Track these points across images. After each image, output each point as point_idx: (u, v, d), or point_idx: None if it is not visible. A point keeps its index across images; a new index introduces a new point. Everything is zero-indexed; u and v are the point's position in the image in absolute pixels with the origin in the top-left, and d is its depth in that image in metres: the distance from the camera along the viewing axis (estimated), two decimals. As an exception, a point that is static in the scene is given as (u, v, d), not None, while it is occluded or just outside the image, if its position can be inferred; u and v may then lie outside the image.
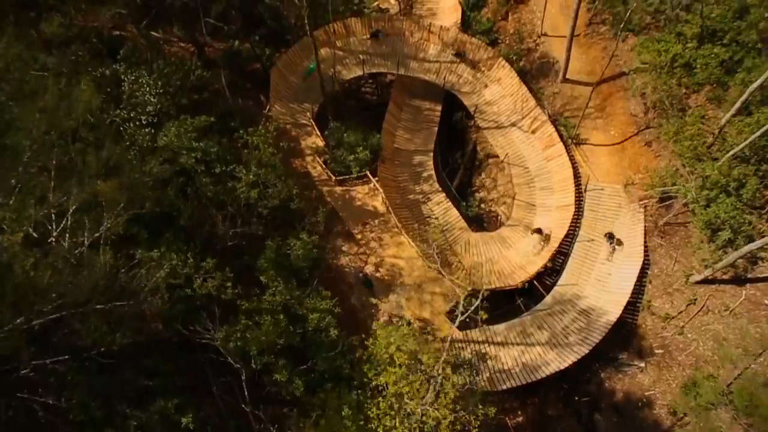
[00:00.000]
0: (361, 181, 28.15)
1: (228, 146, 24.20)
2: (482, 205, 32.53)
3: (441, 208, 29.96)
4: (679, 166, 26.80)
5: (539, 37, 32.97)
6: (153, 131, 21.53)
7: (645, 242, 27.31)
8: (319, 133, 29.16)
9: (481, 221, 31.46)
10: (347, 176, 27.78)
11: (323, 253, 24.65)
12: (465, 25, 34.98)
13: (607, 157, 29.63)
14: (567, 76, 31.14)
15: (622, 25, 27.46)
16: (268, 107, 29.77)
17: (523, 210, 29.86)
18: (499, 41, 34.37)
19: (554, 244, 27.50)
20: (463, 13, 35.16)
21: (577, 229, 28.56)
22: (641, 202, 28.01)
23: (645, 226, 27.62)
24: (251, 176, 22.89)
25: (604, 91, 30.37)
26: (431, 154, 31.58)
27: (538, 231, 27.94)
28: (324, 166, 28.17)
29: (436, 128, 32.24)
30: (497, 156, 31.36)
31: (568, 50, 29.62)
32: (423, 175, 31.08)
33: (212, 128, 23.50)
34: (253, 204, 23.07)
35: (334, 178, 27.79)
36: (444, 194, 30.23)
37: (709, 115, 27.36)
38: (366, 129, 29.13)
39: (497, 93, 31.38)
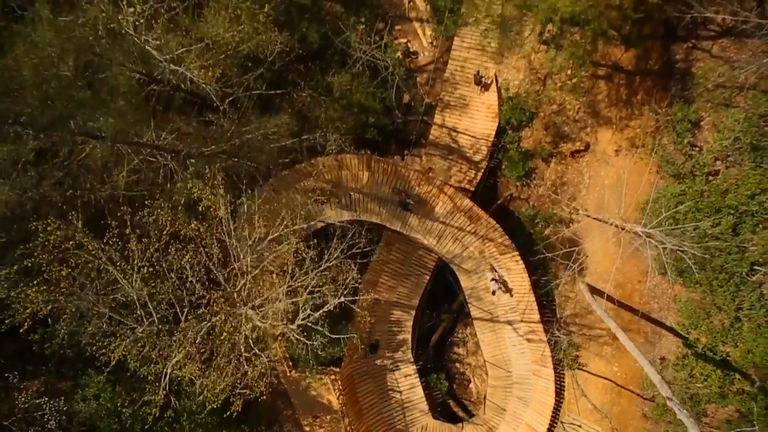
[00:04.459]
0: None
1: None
2: (457, 364, 30.00)
3: (407, 382, 27.66)
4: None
5: (577, 210, 26.27)
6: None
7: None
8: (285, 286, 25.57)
9: (446, 408, 29.30)
10: (306, 370, 25.27)
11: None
12: (498, 145, 27.79)
13: (599, 393, 26.05)
14: (590, 281, 25.66)
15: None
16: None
17: (491, 411, 27.53)
18: (532, 184, 27.60)
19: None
20: (500, 125, 27.62)
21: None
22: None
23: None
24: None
25: (626, 320, 25.30)
26: (413, 312, 27.99)
27: None
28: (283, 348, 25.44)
29: (428, 277, 28.04)
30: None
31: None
32: (398, 337, 28.03)
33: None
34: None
35: (290, 372, 25.33)
36: (414, 367, 27.67)
37: None
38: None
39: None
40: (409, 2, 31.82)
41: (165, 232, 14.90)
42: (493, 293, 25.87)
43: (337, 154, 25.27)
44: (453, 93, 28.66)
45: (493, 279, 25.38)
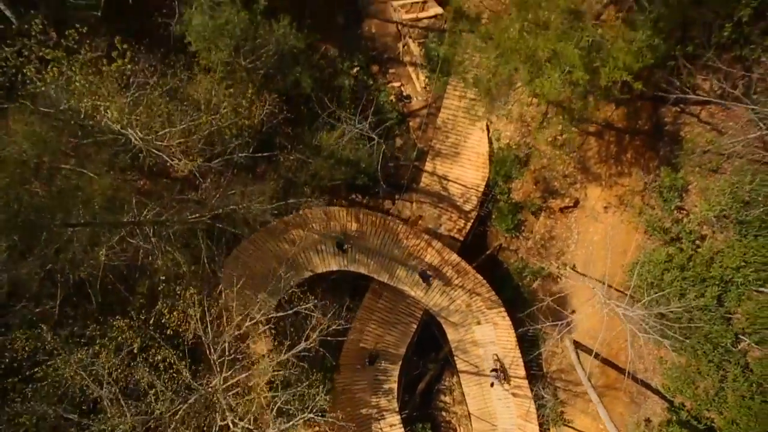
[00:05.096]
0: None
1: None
2: (443, 413, 29.81)
3: (392, 432, 27.61)
4: None
5: (565, 266, 26.21)
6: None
7: None
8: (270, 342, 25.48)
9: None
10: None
11: None
12: (489, 195, 27.78)
13: (583, 451, 25.94)
14: (576, 338, 25.54)
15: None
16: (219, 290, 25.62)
17: (475, 464, 27.37)
18: (521, 236, 27.56)
19: None
20: (490, 175, 27.61)
21: None
22: None
23: None
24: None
25: (612, 378, 25.17)
26: (400, 362, 27.87)
27: None
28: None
29: (415, 326, 27.95)
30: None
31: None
32: (384, 386, 27.86)
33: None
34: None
35: None
36: (399, 417, 27.45)
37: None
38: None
39: (488, 336, 26.16)
40: (403, 46, 31.97)
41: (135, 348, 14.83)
42: (492, 385, 25.64)
43: (326, 207, 25.29)
44: (444, 141, 28.71)
45: (493, 370, 25.18)
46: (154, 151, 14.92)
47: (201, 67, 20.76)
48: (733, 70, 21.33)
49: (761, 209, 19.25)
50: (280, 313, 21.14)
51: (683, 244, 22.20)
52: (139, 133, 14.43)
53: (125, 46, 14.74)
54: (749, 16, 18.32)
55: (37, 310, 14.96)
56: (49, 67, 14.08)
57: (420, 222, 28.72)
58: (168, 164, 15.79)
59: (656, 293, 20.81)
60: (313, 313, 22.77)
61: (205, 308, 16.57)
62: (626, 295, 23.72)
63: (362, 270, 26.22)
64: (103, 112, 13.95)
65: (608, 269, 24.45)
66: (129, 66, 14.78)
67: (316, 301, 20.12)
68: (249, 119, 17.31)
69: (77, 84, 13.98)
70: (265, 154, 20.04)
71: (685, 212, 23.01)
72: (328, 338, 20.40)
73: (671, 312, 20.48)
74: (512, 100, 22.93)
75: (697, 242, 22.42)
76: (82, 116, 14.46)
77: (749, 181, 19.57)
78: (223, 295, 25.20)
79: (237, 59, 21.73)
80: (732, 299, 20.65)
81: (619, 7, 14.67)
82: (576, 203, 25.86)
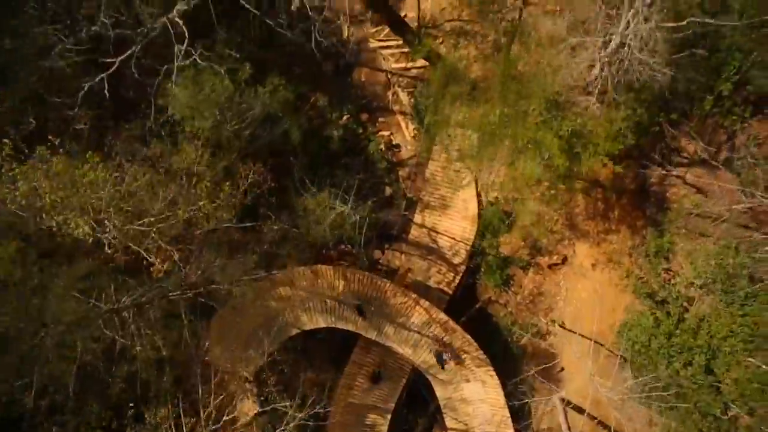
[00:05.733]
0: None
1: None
2: None
3: (380, 489, 27.23)
4: None
5: (554, 322, 26.08)
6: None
7: None
8: (257, 403, 25.26)
9: None
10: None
11: None
12: (476, 245, 27.67)
13: None
14: (567, 395, 25.29)
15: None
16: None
17: None
18: (510, 291, 27.44)
19: None
20: (479, 229, 27.56)
21: None
22: None
23: None
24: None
25: None
26: (389, 416, 27.57)
27: None
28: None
29: (404, 380, 27.70)
30: None
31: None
32: (372, 442, 27.59)
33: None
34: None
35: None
36: (387, 474, 27.14)
37: None
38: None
39: (477, 394, 25.91)
40: (393, 95, 32.13)
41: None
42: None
43: (312, 265, 25.21)
44: (433, 194, 28.69)
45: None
46: (132, 246, 14.79)
47: (185, 134, 20.78)
48: (716, 136, 21.41)
49: (746, 282, 19.18)
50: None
51: (670, 307, 22.09)
52: (113, 234, 14.33)
53: (97, 159, 14.65)
54: (729, 91, 18.41)
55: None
56: (19, 185, 14.03)
57: (409, 274, 28.60)
58: (144, 262, 15.68)
59: (644, 360, 20.64)
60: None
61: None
62: (615, 354, 23.65)
63: (350, 327, 26.06)
64: (74, 227, 13.85)
65: (597, 327, 24.35)
66: (102, 174, 14.71)
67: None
68: (227, 210, 17.23)
69: (47, 199, 13.94)
70: (248, 224, 20.00)
71: (672, 273, 22.93)
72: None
73: (660, 379, 20.28)
74: (497, 165, 22.98)
75: (685, 304, 22.32)
76: (54, 229, 14.37)
77: (733, 255, 19.51)
78: (210, 353, 25.13)
79: (222, 123, 21.77)
80: (720, 366, 20.47)
81: (600, 97, 14.73)
82: (564, 260, 25.79)
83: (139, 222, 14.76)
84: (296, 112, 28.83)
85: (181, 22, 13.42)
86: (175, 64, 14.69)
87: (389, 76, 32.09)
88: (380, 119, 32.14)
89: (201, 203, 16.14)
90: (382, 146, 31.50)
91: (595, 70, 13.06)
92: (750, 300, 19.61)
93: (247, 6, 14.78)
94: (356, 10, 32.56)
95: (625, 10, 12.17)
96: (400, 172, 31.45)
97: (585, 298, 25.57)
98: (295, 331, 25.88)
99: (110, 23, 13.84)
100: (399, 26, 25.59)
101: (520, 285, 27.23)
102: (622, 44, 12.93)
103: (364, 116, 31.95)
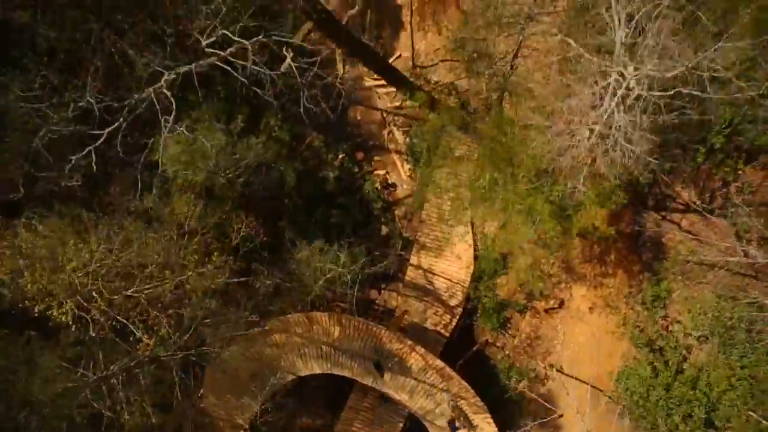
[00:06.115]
0: None
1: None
2: None
3: None
4: None
5: (552, 367, 25.77)
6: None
7: None
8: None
9: None
10: None
11: None
12: (473, 287, 27.46)
13: None
14: None
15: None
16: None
17: None
18: (507, 334, 27.18)
19: None
20: (475, 271, 27.38)
21: None
22: None
23: None
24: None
25: None
26: (386, 461, 27.20)
27: None
28: None
29: (401, 425, 27.32)
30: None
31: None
32: (370, 488, 27.16)
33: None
34: None
35: None
36: None
37: None
38: None
39: None
40: (388, 134, 32.18)
41: None
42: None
43: (308, 312, 25.05)
44: (429, 235, 28.61)
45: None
46: (120, 319, 14.66)
47: (177, 186, 20.76)
48: (710, 182, 21.32)
49: (744, 336, 18.94)
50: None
51: (668, 355, 21.81)
52: (101, 306, 14.23)
53: (79, 242, 14.58)
54: (721, 144, 18.35)
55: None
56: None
57: (405, 317, 28.41)
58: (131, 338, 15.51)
59: (642, 412, 20.32)
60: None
61: None
62: (615, 402, 23.33)
63: (346, 373, 25.78)
64: (57, 314, 13.74)
65: (595, 371, 24.06)
66: (85, 253, 14.67)
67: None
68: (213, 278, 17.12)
69: (29, 287, 13.89)
70: (241, 279, 19.88)
71: (670, 320, 22.68)
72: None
73: None
74: (490, 221, 22.88)
75: (684, 352, 22.03)
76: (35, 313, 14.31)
77: (730, 308, 19.30)
78: (204, 401, 24.88)
79: (216, 173, 21.77)
80: (721, 419, 20.13)
81: (589, 168, 14.70)
82: (561, 304, 25.57)
83: (128, 291, 14.65)
84: (291, 153, 28.87)
85: (168, 93, 13.45)
86: (163, 135, 14.68)
87: (384, 115, 32.19)
88: (376, 158, 32.15)
89: (189, 274, 16.02)
90: (378, 185, 31.47)
91: (582, 149, 13.05)
92: (749, 353, 19.34)
93: (235, 74, 14.77)
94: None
95: (608, 100, 12.13)
96: (396, 212, 31.36)
97: (583, 342, 25.28)
98: (290, 378, 25.62)
99: (95, 100, 13.84)
100: (388, 72, 25.68)
101: (517, 328, 26.99)
102: (605, 134, 12.87)
103: (360, 155, 31.97)
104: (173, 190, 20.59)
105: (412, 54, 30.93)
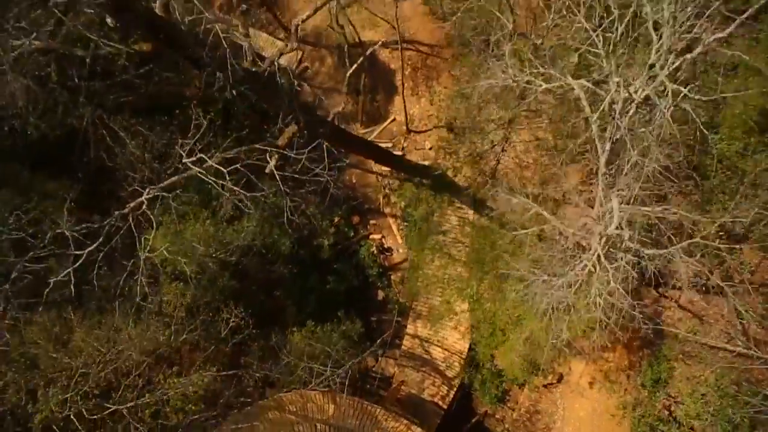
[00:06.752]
0: None
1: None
2: None
3: None
4: None
5: (554, 445, 25.09)
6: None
7: None
8: None
9: None
10: None
11: None
12: (473, 360, 26.95)
13: None
14: None
15: None
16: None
17: None
18: (506, 406, 26.55)
19: None
20: (470, 346, 26.91)
21: None
22: None
23: None
24: None
25: None
26: None
27: None
28: None
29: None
30: None
31: None
32: None
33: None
34: None
35: None
36: None
37: None
38: None
39: None
40: (383, 198, 32.11)
41: None
42: None
43: (302, 390, 24.61)
44: (425, 303, 28.29)
45: None
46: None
47: (168, 275, 20.64)
48: (708, 259, 20.89)
49: (748, 429, 18.32)
50: None
51: (672, 440, 21.15)
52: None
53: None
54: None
55: None
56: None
57: (402, 387, 27.88)
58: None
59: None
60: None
61: None
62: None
63: (341, 451, 25.17)
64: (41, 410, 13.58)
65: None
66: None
67: None
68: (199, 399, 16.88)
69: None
70: (229, 372, 19.59)
71: (671, 399, 22.06)
72: None
73: None
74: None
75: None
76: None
77: (732, 402, 18.72)
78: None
79: (205, 257, 21.67)
80: None
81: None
82: (560, 378, 24.99)
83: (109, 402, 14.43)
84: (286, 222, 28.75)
85: (149, 213, 13.43)
86: (142, 256, 14.63)
87: (379, 179, 32.19)
88: (372, 221, 32.06)
89: (171, 393, 15.78)
90: (374, 250, 31.29)
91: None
92: (753, 443, 18.69)
93: (217, 188, 14.72)
94: (347, 111, 32.90)
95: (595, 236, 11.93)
96: (393, 277, 31.11)
97: (584, 417, 24.60)
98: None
99: (71, 223, 13.85)
100: (383, 158, 25.77)
101: (517, 401, 26.37)
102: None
103: (356, 218, 31.89)
104: (162, 279, 20.46)
105: (406, 119, 31.07)
